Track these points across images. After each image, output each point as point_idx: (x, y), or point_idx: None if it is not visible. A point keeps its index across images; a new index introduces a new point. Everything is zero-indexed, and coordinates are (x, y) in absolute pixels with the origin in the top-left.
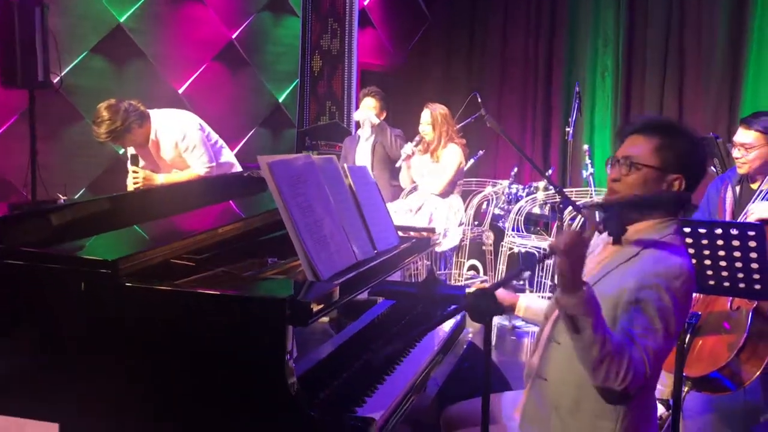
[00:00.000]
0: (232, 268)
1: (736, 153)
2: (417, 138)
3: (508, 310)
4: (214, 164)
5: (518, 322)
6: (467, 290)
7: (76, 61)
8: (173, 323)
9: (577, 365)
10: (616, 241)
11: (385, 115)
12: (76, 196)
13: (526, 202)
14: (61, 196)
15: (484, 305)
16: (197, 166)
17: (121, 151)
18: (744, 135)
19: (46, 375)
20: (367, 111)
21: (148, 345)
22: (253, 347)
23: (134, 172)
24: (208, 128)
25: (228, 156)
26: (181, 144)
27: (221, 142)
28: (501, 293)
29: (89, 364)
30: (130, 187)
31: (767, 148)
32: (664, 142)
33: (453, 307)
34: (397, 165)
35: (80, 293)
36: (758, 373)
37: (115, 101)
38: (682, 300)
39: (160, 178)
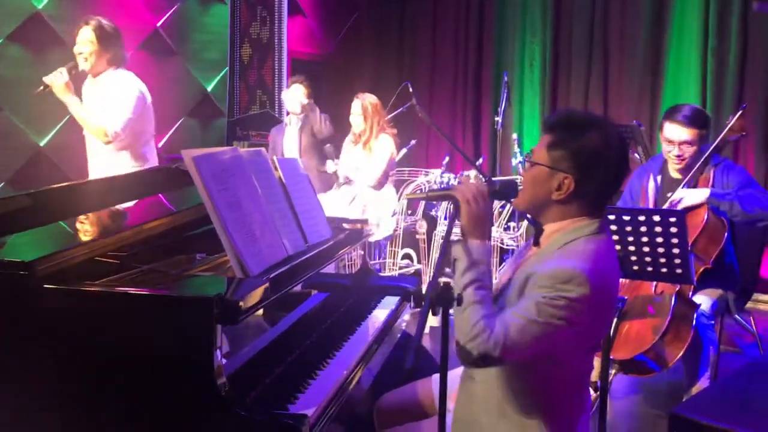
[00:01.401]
0: (158, 265)
1: (672, 150)
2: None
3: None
4: (120, 133)
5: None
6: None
7: None
8: (96, 326)
9: (506, 368)
10: (536, 242)
11: (312, 102)
12: None
13: None
14: None
15: (449, 297)
16: (109, 121)
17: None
18: (682, 132)
19: None
20: (295, 93)
21: (70, 350)
22: (181, 348)
23: (60, 73)
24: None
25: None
26: (119, 96)
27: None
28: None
29: (6, 370)
30: (47, 80)
31: (702, 143)
32: (558, 139)
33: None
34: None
35: None
36: (680, 354)
37: None
38: (573, 303)
39: (73, 100)
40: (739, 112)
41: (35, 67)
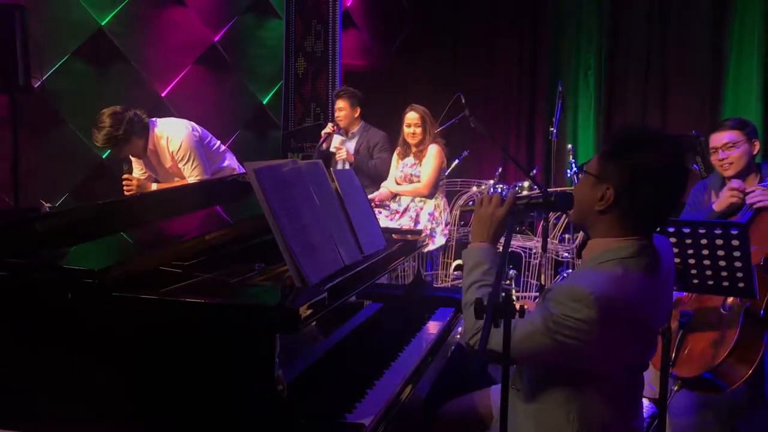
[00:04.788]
0: (219, 274)
1: (718, 156)
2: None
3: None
4: (207, 177)
5: None
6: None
7: (57, 65)
8: (162, 333)
9: (542, 380)
10: (578, 254)
11: (359, 111)
12: (59, 203)
13: None
14: (44, 202)
15: (511, 309)
16: (192, 177)
17: (105, 155)
18: (721, 136)
19: (32, 384)
20: (339, 152)
21: (136, 356)
22: (242, 355)
23: (126, 179)
24: (209, 135)
25: (231, 160)
26: (176, 154)
27: (224, 147)
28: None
29: (77, 375)
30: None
31: (748, 144)
32: (611, 151)
33: (445, 309)
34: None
35: (67, 304)
36: (749, 373)
37: (120, 109)
38: (581, 324)
39: (153, 188)
40: None
41: (98, 81)
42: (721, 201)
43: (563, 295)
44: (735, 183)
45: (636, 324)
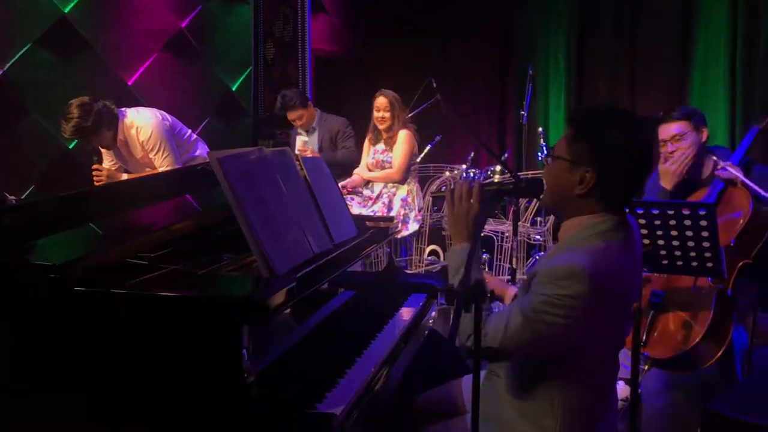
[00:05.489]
0: (186, 265)
1: (667, 149)
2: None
3: (498, 299)
4: (178, 166)
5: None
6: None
7: (19, 54)
8: (127, 327)
9: (524, 367)
10: (555, 238)
11: (311, 107)
12: (25, 195)
13: None
14: (9, 195)
15: (479, 296)
16: (162, 167)
17: (71, 146)
18: (669, 128)
19: None
20: (304, 153)
21: (102, 351)
22: (209, 348)
23: (96, 169)
24: (180, 124)
25: (202, 149)
26: (147, 144)
27: (195, 135)
28: (494, 283)
29: (39, 373)
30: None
31: (696, 133)
32: (581, 133)
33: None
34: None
35: (29, 301)
36: (721, 352)
37: (89, 100)
38: (572, 301)
39: (123, 178)
40: None
41: (63, 70)
42: (664, 175)
43: (551, 276)
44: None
45: (619, 297)
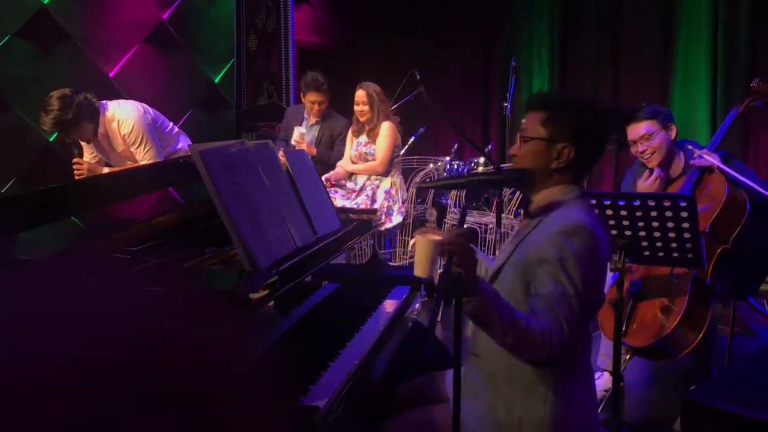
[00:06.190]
0: (168, 259)
1: (638, 149)
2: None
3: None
4: (161, 160)
5: None
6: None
7: None
8: (108, 322)
9: (515, 363)
10: (527, 213)
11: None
12: (5, 189)
13: None
14: None
15: (461, 287)
16: (144, 160)
17: (51, 139)
18: (637, 128)
19: None
20: (299, 146)
21: (80, 347)
22: (191, 342)
23: (76, 163)
24: (162, 117)
25: (185, 142)
26: (128, 138)
27: (177, 128)
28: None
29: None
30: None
31: (664, 131)
32: (551, 114)
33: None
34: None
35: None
36: (698, 339)
37: (70, 92)
38: (584, 256)
39: (104, 171)
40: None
41: (43, 62)
42: (644, 189)
43: (561, 235)
44: (657, 171)
45: (605, 252)
